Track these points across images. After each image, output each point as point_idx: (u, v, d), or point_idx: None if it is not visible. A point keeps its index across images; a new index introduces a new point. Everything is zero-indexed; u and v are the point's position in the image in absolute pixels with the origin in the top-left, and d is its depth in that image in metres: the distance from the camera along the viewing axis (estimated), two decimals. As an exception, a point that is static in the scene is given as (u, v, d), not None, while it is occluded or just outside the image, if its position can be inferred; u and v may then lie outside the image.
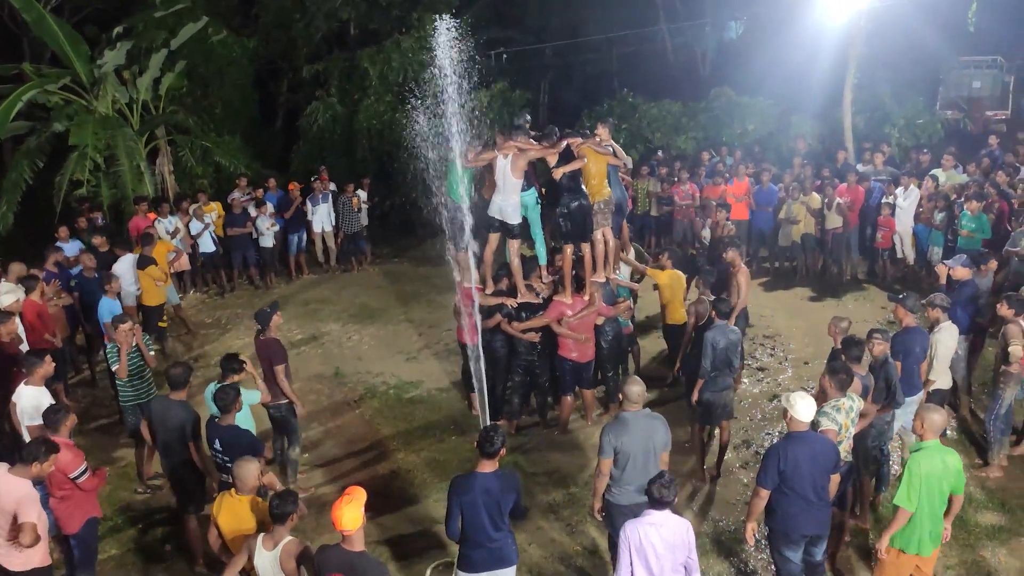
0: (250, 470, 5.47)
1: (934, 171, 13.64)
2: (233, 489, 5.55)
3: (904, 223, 12.98)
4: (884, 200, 13.25)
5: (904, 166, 14.87)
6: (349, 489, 4.89)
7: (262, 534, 5.17)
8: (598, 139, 9.11)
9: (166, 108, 16.46)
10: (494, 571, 5.61)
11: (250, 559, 5.13)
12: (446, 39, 8.57)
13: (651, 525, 5.09)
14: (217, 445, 6.55)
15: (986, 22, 16.37)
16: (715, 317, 8.15)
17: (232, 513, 5.49)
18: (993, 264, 9.44)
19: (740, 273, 9.75)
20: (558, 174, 8.74)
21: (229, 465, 6.42)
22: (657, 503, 5.09)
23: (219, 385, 6.92)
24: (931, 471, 5.41)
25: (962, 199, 12.06)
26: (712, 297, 8.92)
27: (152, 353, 8.72)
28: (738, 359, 8.26)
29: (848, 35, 15.79)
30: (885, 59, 17.56)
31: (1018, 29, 16.18)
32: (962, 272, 8.94)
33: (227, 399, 6.56)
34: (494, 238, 9.15)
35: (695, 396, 8.08)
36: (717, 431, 8.46)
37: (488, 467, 5.50)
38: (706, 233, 13.05)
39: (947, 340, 7.69)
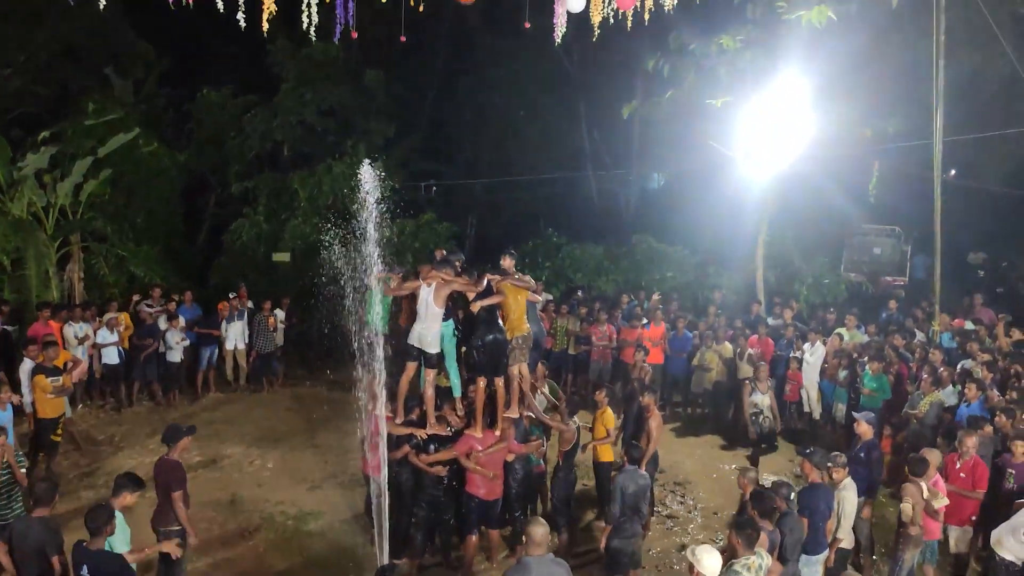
0: None
1: (839, 329, 14.24)
2: None
3: (810, 378, 13.37)
4: (792, 355, 13.69)
5: (811, 323, 15.51)
6: None
7: None
8: (515, 276, 9.26)
9: (84, 214, 16.14)
10: None
11: None
12: (372, 176, 8.78)
13: None
14: (84, 572, 6.02)
15: (885, 195, 17.69)
16: (626, 462, 8.11)
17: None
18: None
19: (653, 418, 9.81)
20: (476, 307, 8.81)
21: None
22: None
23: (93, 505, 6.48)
24: None
25: (864, 359, 12.55)
26: (576, 424, 9.24)
27: (23, 470, 8.19)
28: (647, 505, 8.19)
29: (762, 196, 16.73)
30: (795, 221, 18.62)
31: (913, 204, 17.53)
32: (865, 429, 9.15)
33: (99, 520, 6.14)
34: (411, 366, 9.05)
35: (603, 543, 7.92)
36: None
37: None
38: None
39: (851, 497, 7.78)
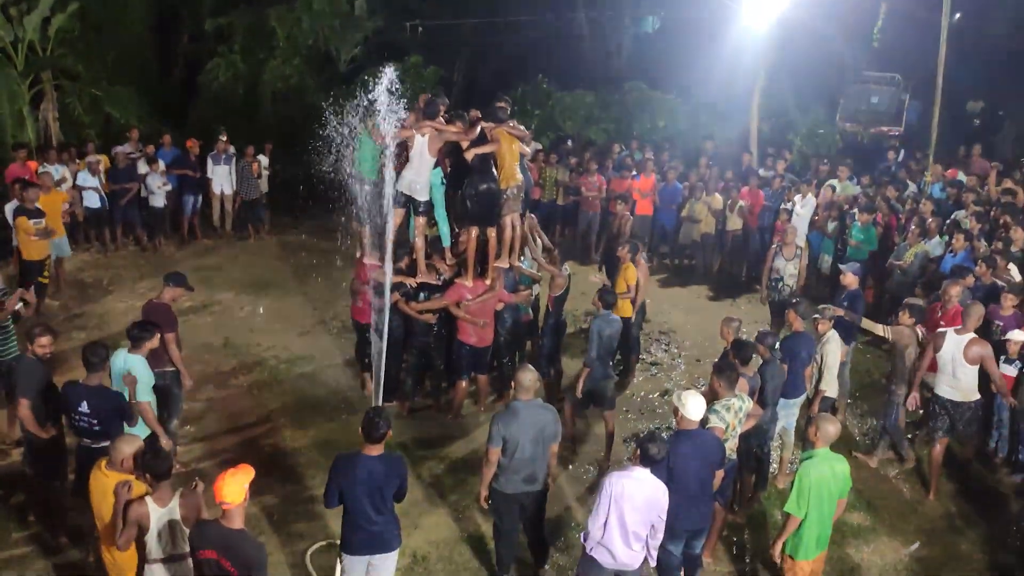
0: (123, 450, 5.14)
1: (831, 181, 14.14)
2: (104, 461, 5.21)
3: (799, 230, 13.32)
4: (782, 206, 13.60)
5: (804, 174, 15.37)
6: (239, 465, 4.67)
7: (148, 497, 4.93)
8: (510, 123, 9.01)
9: (54, 51, 15.43)
10: (374, 555, 5.52)
11: (141, 529, 4.88)
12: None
13: (635, 480, 5.30)
14: (84, 408, 6.09)
15: (890, 39, 17.13)
16: (600, 307, 8.21)
17: (100, 490, 5.14)
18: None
19: (639, 268, 9.86)
20: (470, 155, 8.62)
21: (97, 429, 6.06)
22: (649, 461, 5.30)
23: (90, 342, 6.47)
24: (820, 478, 5.57)
25: (854, 210, 12.52)
26: (568, 271, 9.32)
27: (20, 306, 8.14)
28: (615, 346, 8.37)
29: (761, 43, 16.16)
30: (793, 68, 18.10)
31: (918, 49, 16.97)
32: (851, 279, 9.23)
33: (97, 356, 6.16)
34: (399, 214, 8.95)
35: (580, 385, 8.11)
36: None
37: (374, 450, 5.36)
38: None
39: (835, 349, 7.94)
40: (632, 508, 5.27)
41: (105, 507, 5.11)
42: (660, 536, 5.50)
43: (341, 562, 5.59)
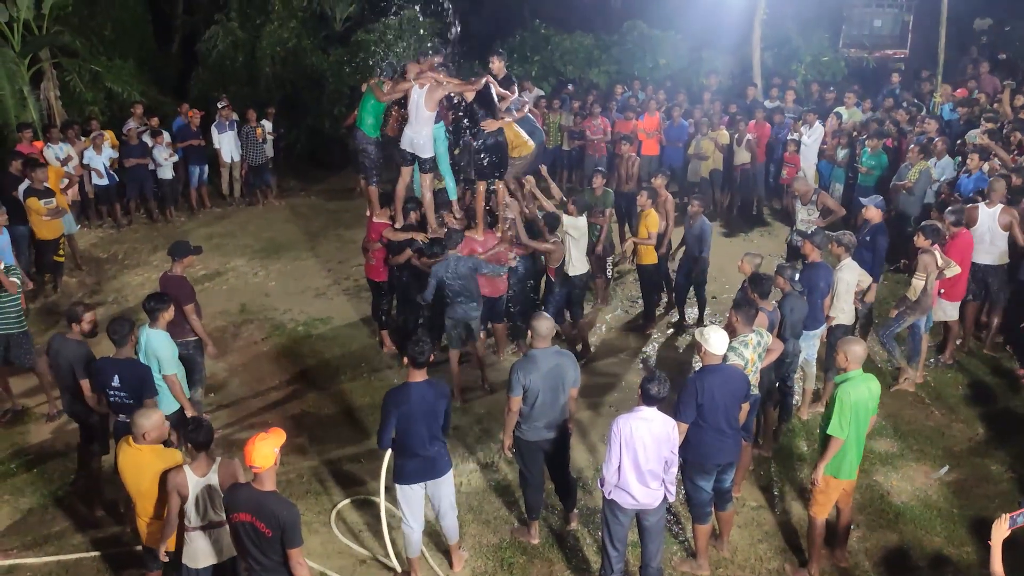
0: (143, 424, 5.18)
1: (838, 108, 13.92)
2: (131, 437, 5.28)
3: (808, 160, 13.19)
4: (790, 137, 13.44)
5: (809, 102, 15.14)
6: (270, 429, 4.74)
7: (186, 466, 5.04)
8: (509, 117, 8.87)
9: (50, 28, 15.28)
10: (428, 481, 5.77)
11: (180, 498, 4.99)
12: None
13: (642, 420, 5.35)
14: (116, 382, 6.19)
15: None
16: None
17: (132, 464, 5.22)
18: None
19: (668, 201, 10.08)
20: (491, 126, 8.52)
21: (129, 403, 6.14)
22: (652, 400, 5.35)
23: (113, 318, 6.52)
24: (858, 399, 5.64)
25: (863, 136, 12.35)
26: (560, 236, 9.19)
27: (15, 280, 8.17)
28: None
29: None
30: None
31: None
32: (874, 214, 9.03)
33: (121, 331, 6.25)
34: (406, 172, 8.95)
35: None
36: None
37: (419, 376, 5.58)
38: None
39: (847, 277, 7.87)
40: (643, 447, 5.32)
41: (133, 480, 5.23)
42: (674, 470, 5.55)
43: (396, 494, 5.82)
